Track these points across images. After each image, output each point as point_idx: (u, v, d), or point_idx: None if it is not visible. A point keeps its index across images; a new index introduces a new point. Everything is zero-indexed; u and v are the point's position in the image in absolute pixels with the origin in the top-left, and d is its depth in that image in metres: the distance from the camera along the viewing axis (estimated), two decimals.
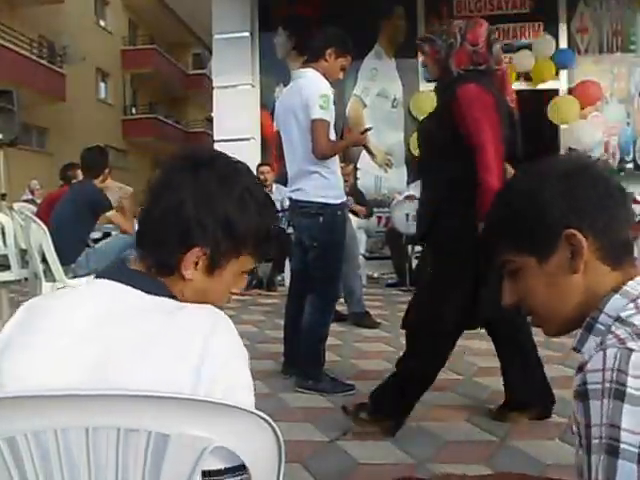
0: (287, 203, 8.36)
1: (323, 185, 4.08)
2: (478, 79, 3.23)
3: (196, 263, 1.27)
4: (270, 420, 1.03)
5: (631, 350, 1.01)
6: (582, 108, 9.41)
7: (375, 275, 9.35)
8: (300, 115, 4.05)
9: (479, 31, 3.31)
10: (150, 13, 31.24)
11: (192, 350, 1.07)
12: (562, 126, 9.60)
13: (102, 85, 30.65)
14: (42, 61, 22.39)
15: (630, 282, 1.17)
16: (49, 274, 5.60)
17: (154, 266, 1.27)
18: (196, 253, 1.25)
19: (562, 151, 9.72)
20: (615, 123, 9.79)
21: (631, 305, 1.13)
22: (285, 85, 9.80)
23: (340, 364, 4.68)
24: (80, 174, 7.27)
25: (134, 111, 33.59)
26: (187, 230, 1.24)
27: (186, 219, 1.24)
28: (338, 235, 4.14)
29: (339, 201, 4.14)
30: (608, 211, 1.19)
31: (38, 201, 9.77)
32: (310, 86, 4.03)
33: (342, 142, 4.43)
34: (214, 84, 10.38)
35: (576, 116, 9.39)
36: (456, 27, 3.37)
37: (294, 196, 4.25)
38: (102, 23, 30.38)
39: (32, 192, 11.03)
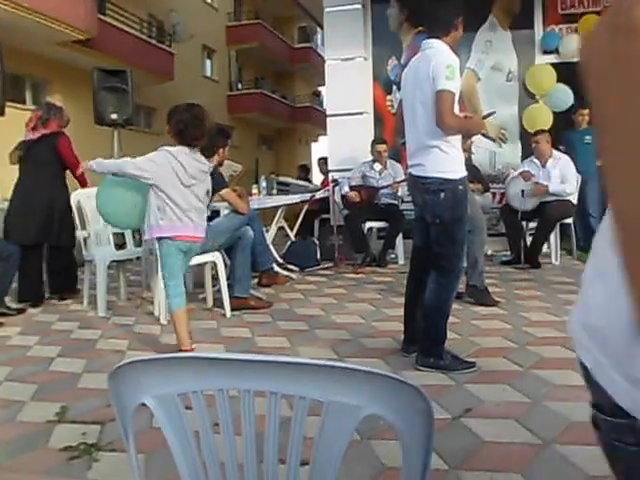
0: (399, 178, 8.50)
1: (443, 160, 4.04)
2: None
3: None
4: (423, 391, 1.07)
5: None
6: None
7: (489, 252, 9.29)
8: (425, 87, 4.00)
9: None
10: None
11: None
12: None
13: (208, 62, 31.08)
14: (152, 41, 22.82)
15: None
16: None
17: None
18: None
19: None
20: None
21: None
22: (397, 58, 9.91)
23: (459, 342, 4.68)
24: None
25: (239, 87, 33.96)
26: None
27: None
28: (460, 211, 4.11)
29: (460, 176, 4.10)
30: None
31: None
32: (436, 57, 3.98)
33: (466, 122, 4.31)
34: (326, 57, 10.40)
35: None
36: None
37: (413, 172, 4.21)
38: (208, 0, 30.83)
39: None
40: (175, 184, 4.62)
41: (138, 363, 1.14)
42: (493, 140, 9.85)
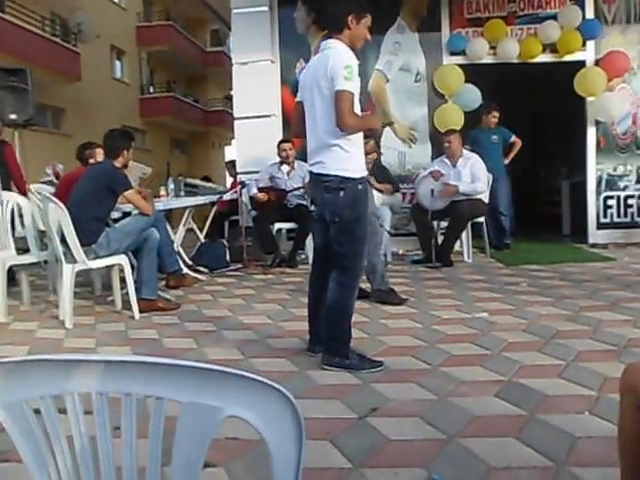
0: (308, 179, 8.46)
1: (344, 158, 4.03)
2: None
3: None
4: (286, 391, 1.04)
5: None
6: (609, 80, 9.28)
7: (400, 252, 9.35)
8: (323, 87, 3.99)
9: None
10: None
11: None
12: (589, 98, 9.48)
13: (118, 64, 30.40)
14: (55, 39, 22.18)
15: None
16: (69, 256, 5.65)
17: None
18: None
19: (589, 124, 9.65)
20: None
21: None
22: (306, 60, 9.84)
23: (367, 341, 4.68)
24: (98, 154, 7.35)
25: (152, 90, 33.45)
26: None
27: None
28: (360, 209, 4.10)
29: (360, 175, 4.10)
30: None
31: None
32: (334, 57, 3.96)
33: (366, 119, 4.33)
34: (233, 60, 10.29)
35: (603, 88, 9.27)
36: None
37: (314, 169, 4.19)
38: None
39: (57, 176, 11.01)
40: None
41: None
42: (403, 141, 9.89)
